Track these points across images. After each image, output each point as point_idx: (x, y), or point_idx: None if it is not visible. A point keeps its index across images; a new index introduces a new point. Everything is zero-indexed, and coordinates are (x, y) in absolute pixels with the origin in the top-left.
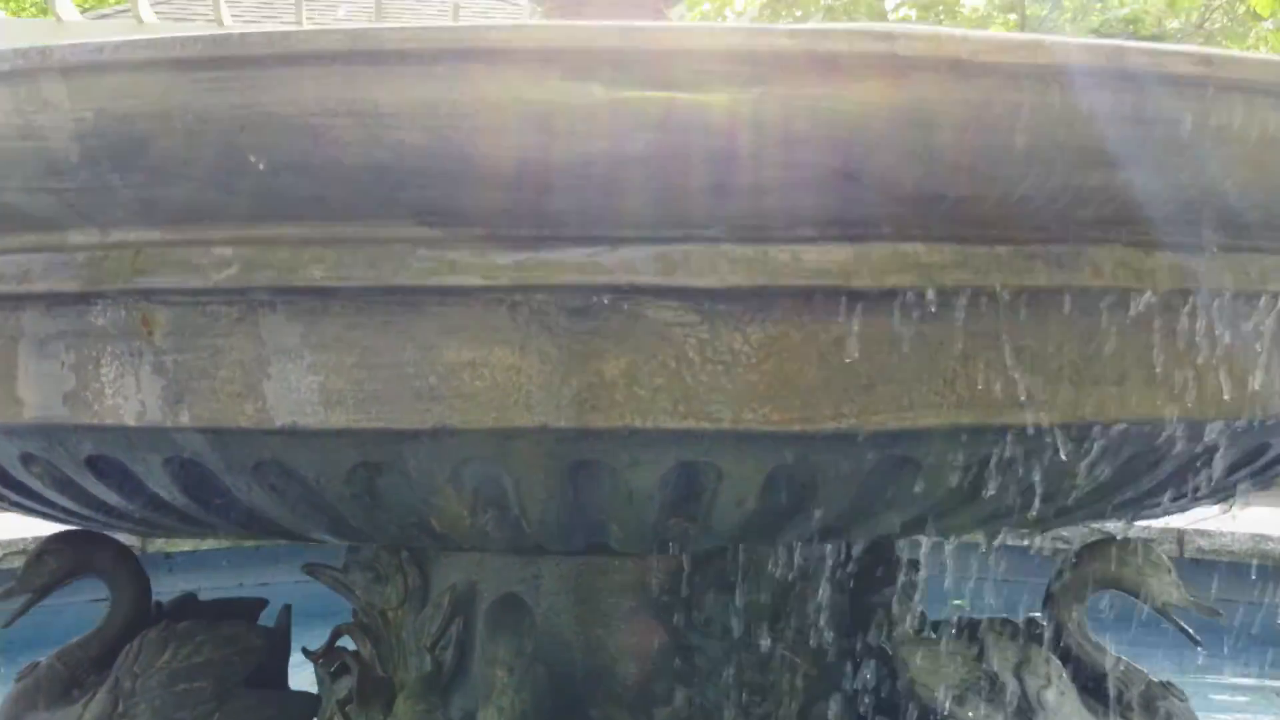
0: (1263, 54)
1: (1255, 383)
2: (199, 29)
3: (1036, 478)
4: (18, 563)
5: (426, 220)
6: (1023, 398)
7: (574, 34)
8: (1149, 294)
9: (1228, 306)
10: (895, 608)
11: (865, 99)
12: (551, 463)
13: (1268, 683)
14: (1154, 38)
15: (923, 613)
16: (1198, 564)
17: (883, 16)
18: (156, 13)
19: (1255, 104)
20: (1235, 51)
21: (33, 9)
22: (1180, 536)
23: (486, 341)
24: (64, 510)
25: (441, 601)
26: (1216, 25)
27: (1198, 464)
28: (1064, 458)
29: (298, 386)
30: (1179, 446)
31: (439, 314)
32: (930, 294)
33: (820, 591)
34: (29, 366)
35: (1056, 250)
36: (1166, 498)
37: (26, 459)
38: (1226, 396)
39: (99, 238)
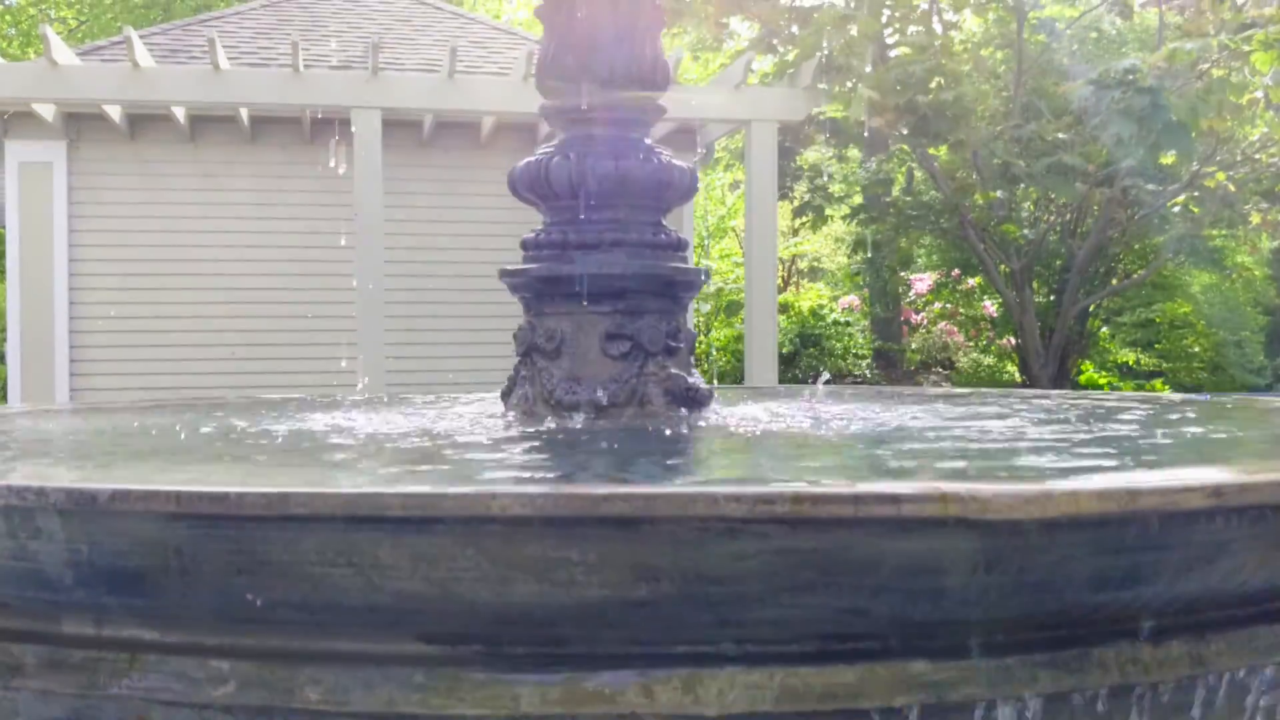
0: (1268, 474)
1: None
2: (195, 71)
3: None
4: None
5: (425, 637)
6: None
7: (576, 499)
8: (1160, 683)
9: (1238, 683)
10: None
11: (873, 551)
12: None
13: None
14: (1151, 91)
15: None
16: None
17: (882, 51)
18: (149, 45)
19: (1268, 516)
20: (1244, 477)
21: (24, 39)
22: None
23: None
24: None
25: None
26: (1215, 75)
27: None
28: None
29: None
30: None
31: None
32: (938, 711)
33: None
34: None
35: (1064, 655)
36: None
37: None
38: None
39: (93, 630)
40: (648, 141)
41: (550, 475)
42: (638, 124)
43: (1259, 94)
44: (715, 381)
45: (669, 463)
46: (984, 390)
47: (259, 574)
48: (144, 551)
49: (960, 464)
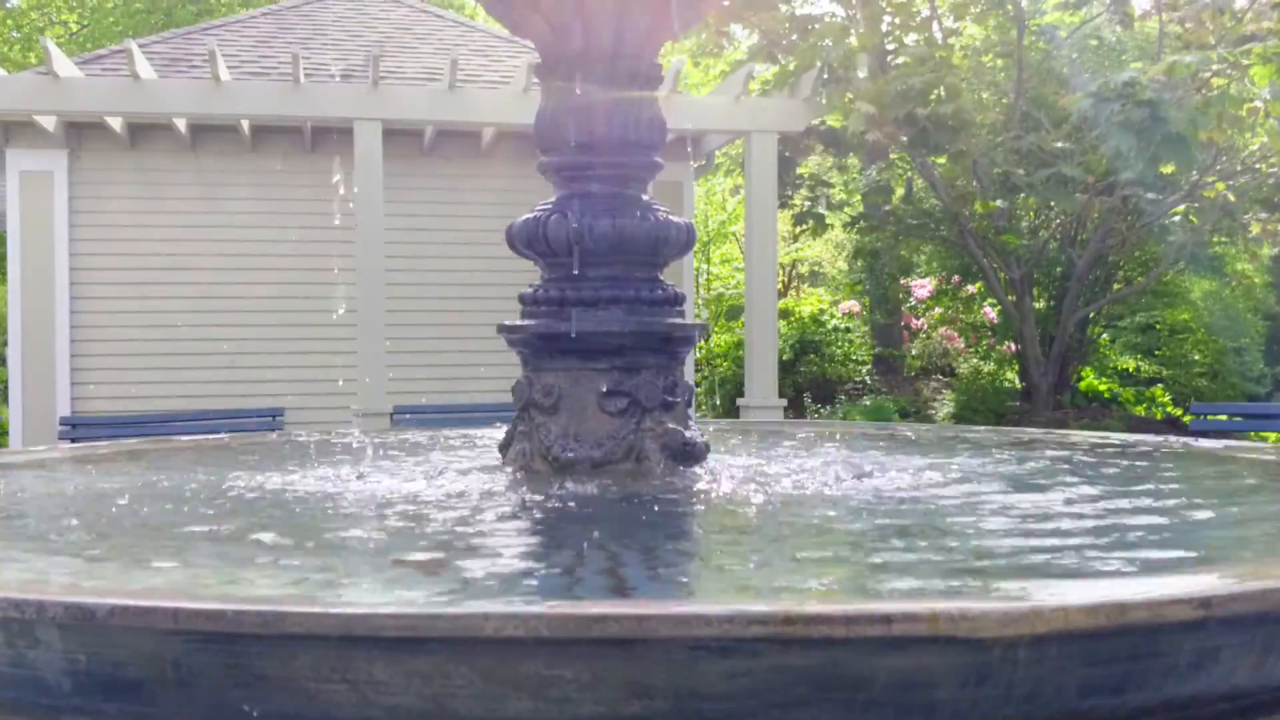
0: (1257, 582)
1: None
2: (196, 84)
3: None
4: None
5: None
6: None
7: (570, 620)
8: None
9: None
10: None
11: (865, 669)
12: None
13: None
14: (1150, 104)
15: None
16: None
17: (882, 61)
18: (150, 54)
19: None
20: (1233, 586)
21: (25, 44)
22: None
23: None
24: None
25: None
26: (1216, 84)
27: None
28: None
29: None
30: None
31: None
32: None
33: None
34: None
35: None
36: None
37: None
38: None
39: None
40: (645, 197)
41: (546, 573)
42: (634, 181)
43: (1258, 104)
44: (716, 390)
45: (666, 555)
46: (982, 432)
47: (255, 687)
48: (141, 663)
49: (958, 559)
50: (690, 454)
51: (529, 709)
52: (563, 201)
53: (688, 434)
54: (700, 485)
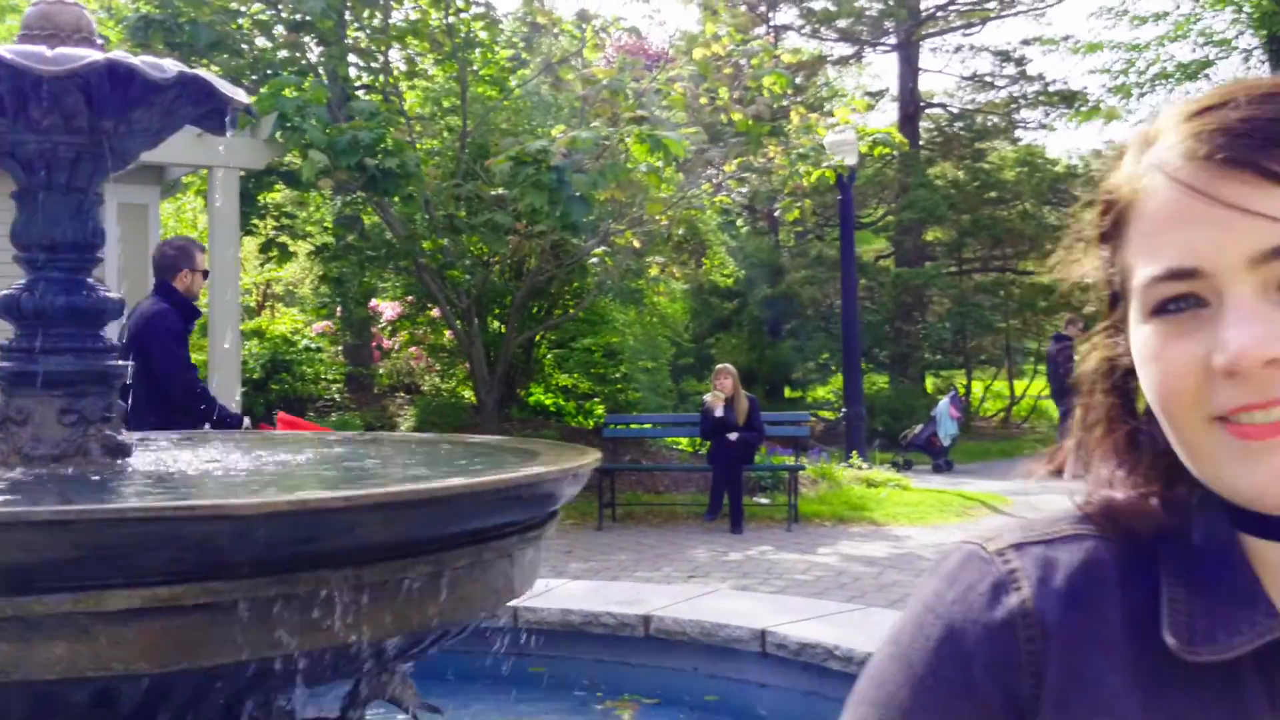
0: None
1: None
2: None
3: None
4: None
5: None
6: None
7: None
8: None
9: None
10: None
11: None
12: None
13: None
14: (558, 169)
15: None
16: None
17: (340, 111)
18: None
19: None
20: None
21: None
22: (514, 612)
23: None
24: None
25: None
26: (619, 148)
27: None
28: None
29: None
30: None
31: None
32: None
33: None
34: None
35: None
36: None
37: None
38: None
39: None
40: (90, 280)
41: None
42: (83, 270)
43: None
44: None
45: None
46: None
47: None
48: None
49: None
50: (121, 450)
51: None
52: (31, 283)
53: (119, 438)
54: (126, 469)
